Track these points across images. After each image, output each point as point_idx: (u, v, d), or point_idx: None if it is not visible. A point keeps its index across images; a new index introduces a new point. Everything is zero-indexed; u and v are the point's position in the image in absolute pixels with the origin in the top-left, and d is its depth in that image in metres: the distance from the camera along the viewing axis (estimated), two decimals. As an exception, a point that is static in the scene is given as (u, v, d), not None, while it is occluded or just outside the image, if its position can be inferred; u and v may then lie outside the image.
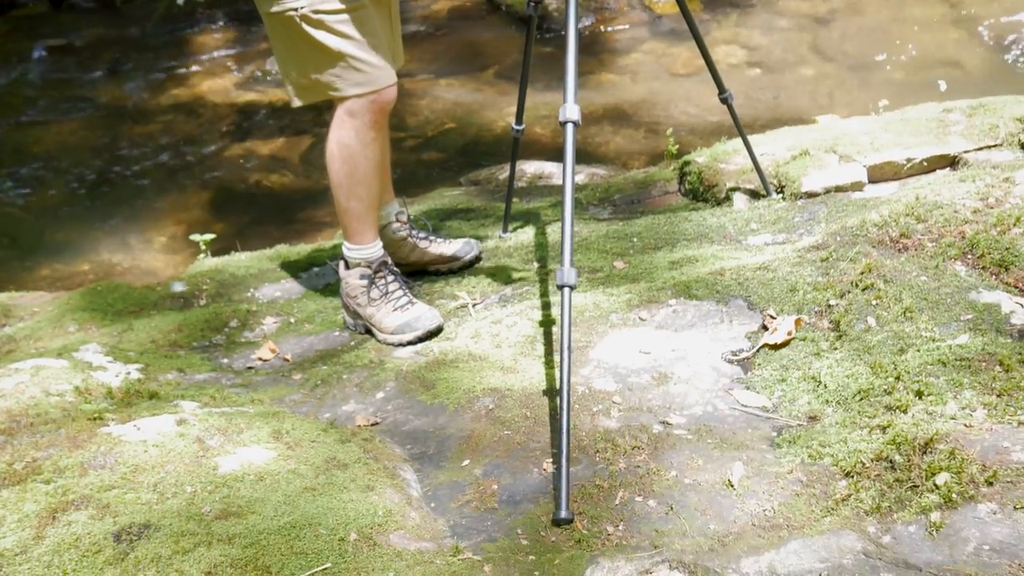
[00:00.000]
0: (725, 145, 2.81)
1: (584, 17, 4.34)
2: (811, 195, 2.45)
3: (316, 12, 1.89)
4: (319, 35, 1.91)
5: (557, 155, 3.29)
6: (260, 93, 4.56)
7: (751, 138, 2.56)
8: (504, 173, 3.35)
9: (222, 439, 1.56)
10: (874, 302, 1.78)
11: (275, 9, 1.92)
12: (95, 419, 1.64)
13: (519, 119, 2.40)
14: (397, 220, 2.30)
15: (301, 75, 1.98)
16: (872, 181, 2.52)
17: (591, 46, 4.41)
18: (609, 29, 4.80)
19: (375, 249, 2.10)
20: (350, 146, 2.00)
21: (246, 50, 5.18)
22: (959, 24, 4.54)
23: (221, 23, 5.63)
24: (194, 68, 5.05)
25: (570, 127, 1.68)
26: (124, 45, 5.59)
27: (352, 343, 2.11)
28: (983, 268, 1.85)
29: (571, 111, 1.68)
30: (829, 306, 1.82)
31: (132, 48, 5.52)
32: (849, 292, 1.83)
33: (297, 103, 2.04)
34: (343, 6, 1.91)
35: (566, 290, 1.56)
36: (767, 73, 4.12)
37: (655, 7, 4.91)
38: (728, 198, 2.58)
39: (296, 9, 1.89)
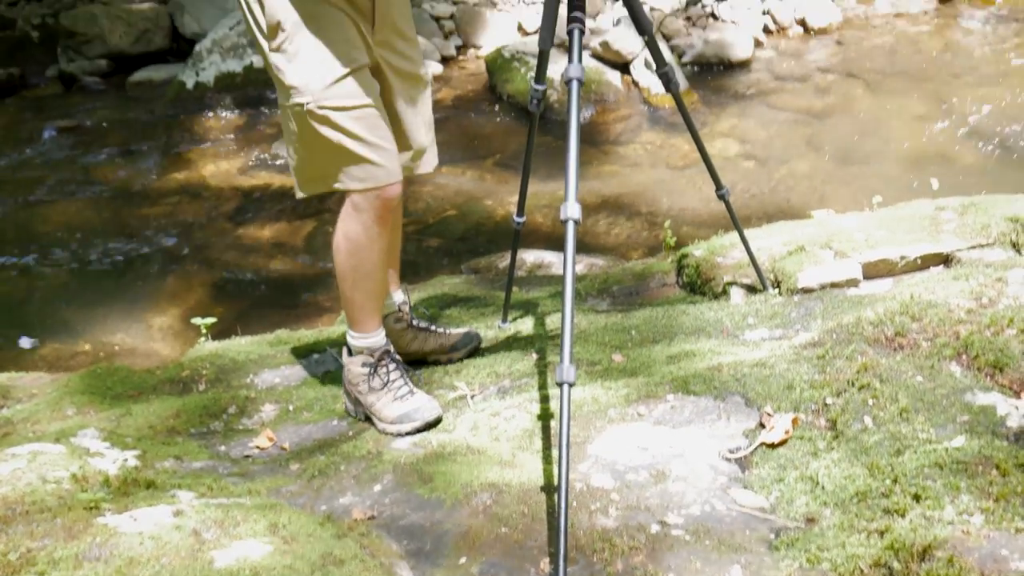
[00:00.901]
0: (722, 239, 2.85)
1: (584, 108, 4.44)
2: (807, 291, 2.48)
3: (321, 108, 1.94)
4: (324, 130, 1.96)
5: (557, 244, 3.34)
6: (264, 177, 4.64)
7: (748, 231, 2.60)
8: (503, 261, 3.39)
9: (218, 532, 1.55)
10: (870, 401, 1.79)
11: (284, 102, 1.98)
12: (91, 508, 1.64)
13: (520, 211, 2.44)
14: (400, 309, 2.33)
15: (306, 167, 2.03)
16: (867, 277, 2.55)
17: (591, 136, 4.50)
18: (608, 120, 4.91)
19: (378, 338, 2.12)
20: (356, 239, 2.03)
21: (252, 134, 5.29)
22: (949, 120, 4.65)
23: (229, 107, 5.75)
24: (200, 151, 5.14)
25: (571, 225, 1.71)
26: (133, 127, 5.70)
27: (350, 432, 2.11)
28: (978, 369, 1.87)
29: (572, 209, 1.72)
30: (826, 405, 1.83)
31: (141, 130, 5.63)
32: (846, 391, 1.84)
33: (300, 194, 2.09)
34: (351, 103, 1.96)
35: (565, 387, 1.57)
36: (763, 166, 4.20)
37: (653, 100, 5.03)
38: (725, 292, 2.61)
39: (303, 104, 1.95)
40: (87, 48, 6.95)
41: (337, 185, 2.01)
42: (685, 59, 5.71)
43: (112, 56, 6.93)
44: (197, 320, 2.91)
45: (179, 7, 7.13)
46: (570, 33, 1.94)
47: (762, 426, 1.83)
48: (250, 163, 4.86)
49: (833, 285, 2.49)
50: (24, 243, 4.21)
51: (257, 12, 1.96)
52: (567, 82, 1.89)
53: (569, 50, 1.93)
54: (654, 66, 2.30)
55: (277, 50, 1.96)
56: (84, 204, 4.64)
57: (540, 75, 2.25)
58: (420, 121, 2.22)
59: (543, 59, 2.24)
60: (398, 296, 2.33)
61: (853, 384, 1.85)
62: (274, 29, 1.95)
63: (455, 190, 4.17)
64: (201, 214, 4.33)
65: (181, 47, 7.06)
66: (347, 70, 1.96)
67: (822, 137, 4.51)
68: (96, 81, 6.77)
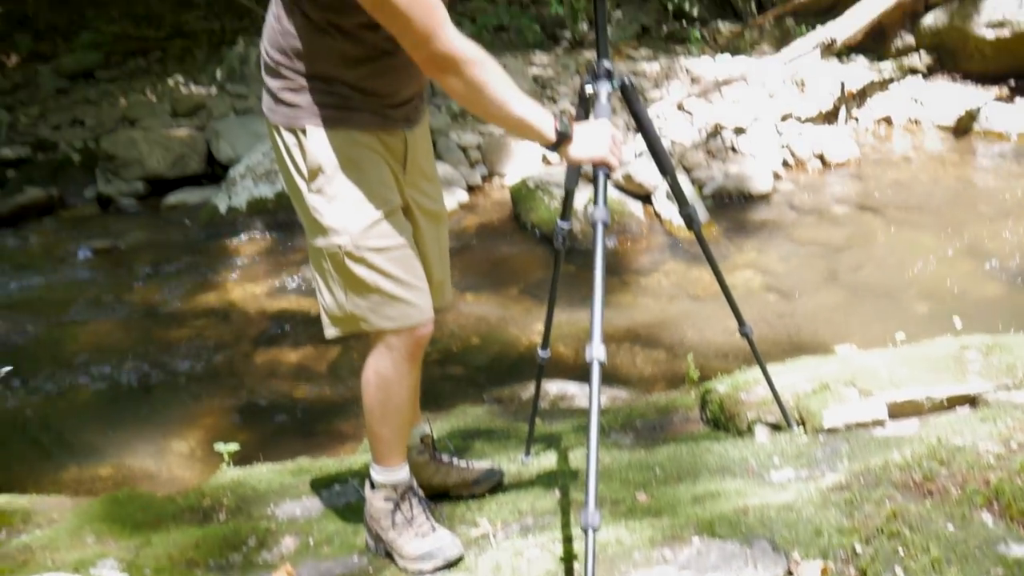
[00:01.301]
0: (746, 374, 2.85)
1: (607, 239, 4.50)
2: (833, 431, 2.47)
3: (359, 248, 2.00)
4: (360, 270, 2.01)
5: (580, 375, 3.35)
6: (292, 301, 4.71)
7: (771, 366, 2.61)
8: (526, 392, 3.40)
9: (236, 676, 1.52)
10: (901, 551, 1.76)
11: (319, 243, 2.03)
12: (110, 646, 1.62)
13: (545, 344, 2.47)
14: (422, 443, 2.33)
15: (336, 307, 2.07)
16: (893, 417, 2.54)
17: (613, 266, 4.56)
18: (631, 251, 4.99)
19: (402, 473, 2.13)
20: (386, 376, 2.06)
21: (281, 259, 5.40)
22: (969, 255, 4.69)
23: (259, 231, 5.89)
24: (230, 274, 5.24)
25: (596, 366, 1.73)
26: (165, 249, 5.84)
27: (371, 569, 2.09)
28: (1010, 519, 1.84)
29: (598, 350, 1.75)
30: (855, 553, 1.80)
31: (172, 252, 5.76)
32: (875, 538, 1.82)
33: (330, 333, 2.12)
34: (387, 244, 2.01)
35: (590, 532, 1.56)
36: (785, 299, 4.23)
37: (675, 231, 5.11)
38: (750, 429, 2.60)
39: (340, 245, 2.00)
40: (125, 171, 7.18)
41: (371, 325, 2.04)
42: (706, 191, 5.83)
43: (149, 179, 7.15)
44: (220, 446, 2.92)
45: (215, 133, 7.39)
46: (595, 176, 2.01)
47: (790, 574, 1.80)
48: (278, 287, 4.95)
49: (859, 425, 2.49)
50: (53, 364, 4.26)
51: (297, 156, 2.04)
52: (592, 224, 1.95)
53: (595, 193, 1.99)
54: (677, 213, 2.36)
55: (317, 192, 2.03)
56: (114, 325, 4.71)
57: (565, 213, 2.32)
58: (441, 257, 2.28)
59: (568, 198, 2.31)
60: (421, 428, 2.34)
61: (882, 531, 1.82)
62: (315, 172, 2.02)
63: (479, 318, 4.21)
64: (228, 337, 4.39)
65: (216, 171, 7.29)
66: (384, 212, 2.03)
67: (843, 270, 4.55)
68: (132, 203, 6.97)
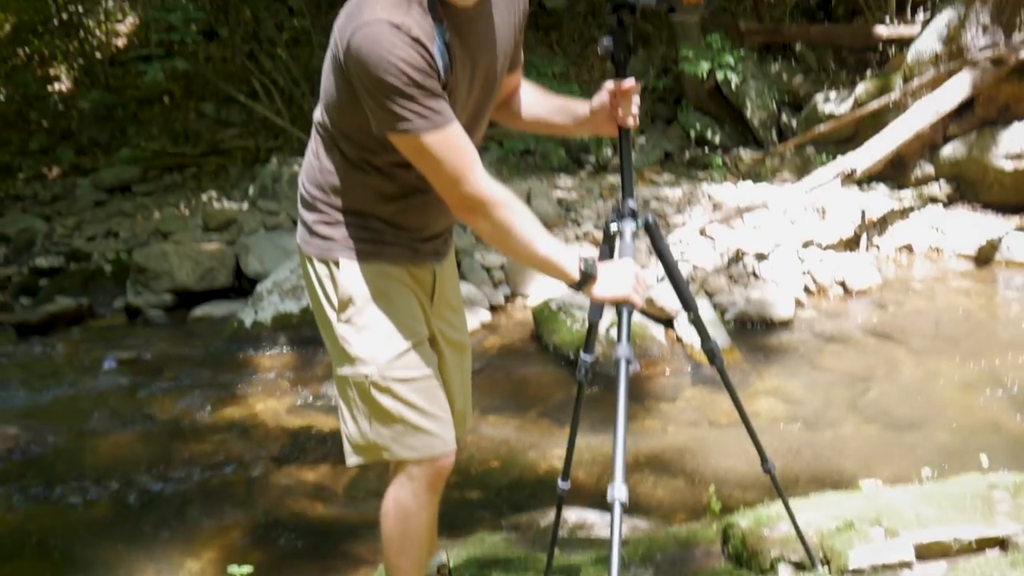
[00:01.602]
0: (769, 509, 2.81)
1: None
2: (858, 572, 2.42)
3: (385, 379, 2.03)
4: (384, 400, 2.03)
5: (600, 502, 3.30)
6: (312, 418, 4.72)
7: (795, 501, 2.58)
8: (545, 519, 3.36)
9: None
10: None
11: (346, 372, 2.07)
12: None
13: (565, 475, 2.45)
14: (439, 573, 2.31)
15: (360, 436, 2.09)
16: (920, 558, 2.48)
17: (634, 391, 4.54)
18: (652, 375, 4.98)
19: (419, 604, 2.10)
20: (406, 507, 2.06)
21: (303, 375, 5.44)
22: (994, 387, 4.64)
23: (283, 347, 5.95)
24: (252, 389, 5.27)
25: (618, 507, 1.72)
26: (189, 362, 5.89)
27: None
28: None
29: (619, 491, 1.74)
30: None
31: (196, 365, 5.81)
32: None
33: (352, 461, 2.13)
34: (413, 375, 2.04)
35: None
36: (807, 429, 4.19)
37: (697, 356, 5.11)
38: (773, 568, 2.55)
39: (367, 375, 2.03)
40: (155, 283, 7.32)
41: (393, 455, 2.06)
42: (728, 316, 5.85)
43: (177, 291, 7.28)
44: (233, 569, 2.89)
45: (245, 248, 7.55)
46: (619, 313, 2.05)
47: None
48: (299, 403, 4.97)
49: (885, 567, 2.43)
50: (70, 475, 4.26)
51: (329, 287, 2.10)
52: (615, 361, 1.97)
53: (618, 330, 2.02)
54: (699, 341, 2.38)
55: (346, 322, 2.07)
56: (134, 437, 4.73)
57: (589, 345, 2.34)
58: (464, 387, 2.31)
59: (592, 331, 2.34)
60: (438, 557, 2.32)
61: None
62: (345, 303, 2.07)
63: (499, 441, 4.19)
64: (247, 453, 4.38)
65: (243, 285, 7.41)
66: (411, 343, 2.07)
67: (866, 401, 4.52)
68: (159, 314, 7.08)
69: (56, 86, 15.80)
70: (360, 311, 2.07)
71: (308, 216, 2.16)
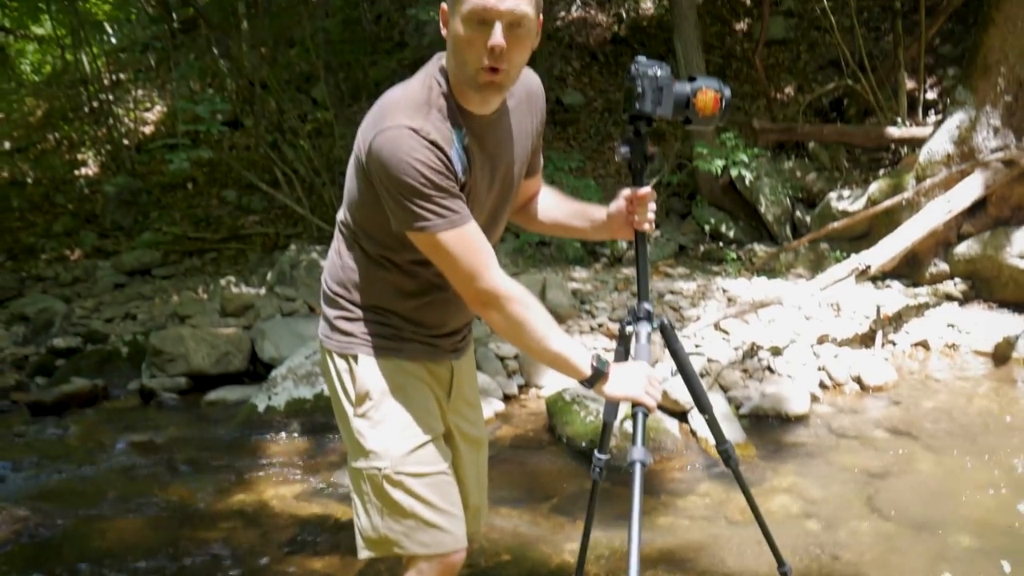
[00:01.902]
0: (785, 612, 2.76)
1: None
2: None
3: (399, 473, 2.05)
4: (398, 495, 2.05)
5: (611, 600, 3.25)
6: (322, 505, 4.68)
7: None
8: (556, 615, 3.30)
9: None
10: None
11: (360, 465, 2.08)
12: None
13: (579, 571, 2.43)
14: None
15: (372, 529, 2.09)
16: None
17: (648, 485, 4.47)
18: (666, 469, 4.93)
19: None
20: None
21: (315, 461, 5.41)
22: (1015, 488, 4.57)
23: (295, 432, 5.94)
24: (263, 474, 5.24)
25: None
26: (201, 445, 5.88)
27: None
28: None
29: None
30: None
31: (208, 449, 5.80)
32: None
33: (364, 555, 2.13)
34: (426, 470, 2.06)
35: None
36: (825, 528, 4.12)
37: (711, 450, 5.07)
38: (790, 672, 2.48)
39: (380, 468, 2.05)
40: (170, 366, 7.36)
41: (404, 549, 2.06)
42: (742, 411, 5.82)
43: (192, 375, 7.32)
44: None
45: (261, 333, 7.60)
46: (634, 415, 2.06)
47: None
48: (309, 491, 4.93)
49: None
50: (77, 560, 4.22)
51: (348, 381, 2.14)
52: (630, 464, 1.98)
53: (633, 432, 2.04)
54: (714, 441, 2.38)
55: (362, 416, 2.10)
56: (143, 522, 4.69)
57: (603, 445, 2.35)
58: (479, 482, 2.32)
59: (606, 431, 2.36)
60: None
61: None
62: (362, 397, 2.11)
63: (510, 533, 4.14)
64: (256, 540, 4.34)
65: (257, 370, 7.44)
66: (426, 438, 2.09)
67: (883, 499, 4.45)
68: (173, 397, 7.10)
69: (83, 171, 16.19)
70: (376, 406, 2.10)
71: (330, 312, 2.21)
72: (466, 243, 1.96)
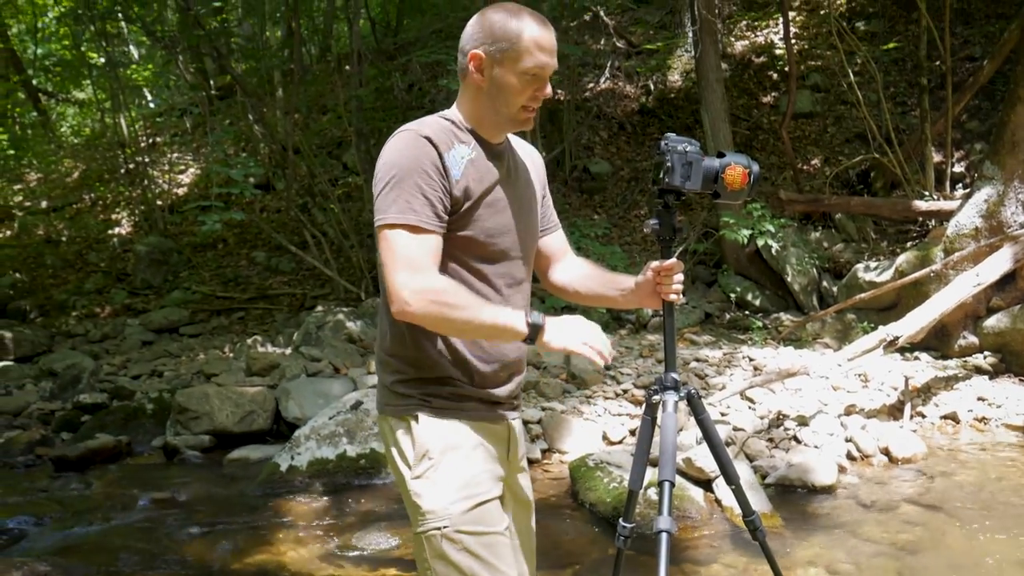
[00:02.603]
0: None
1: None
2: None
3: (458, 532, 2.04)
4: (456, 555, 2.05)
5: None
6: (342, 568, 4.64)
7: None
8: None
9: None
10: None
11: (419, 528, 2.09)
12: None
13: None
14: None
15: None
16: None
17: (672, 554, 4.42)
18: (690, 537, 4.86)
19: None
20: None
21: (336, 523, 5.38)
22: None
23: (317, 493, 5.92)
24: (284, 534, 5.22)
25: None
26: (222, 504, 5.87)
27: None
28: None
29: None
30: None
31: (229, 507, 5.79)
32: None
33: None
34: (484, 530, 2.05)
35: None
36: (852, 602, 4.03)
37: (736, 519, 5.00)
38: None
39: (440, 528, 2.05)
40: (194, 423, 7.39)
41: None
42: (768, 480, 5.74)
43: (215, 433, 7.34)
44: None
45: (285, 392, 7.63)
46: (660, 485, 2.07)
47: None
48: (329, 551, 4.90)
49: None
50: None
51: (406, 444, 2.15)
52: (657, 533, 1.97)
53: (659, 501, 2.04)
54: (740, 511, 2.36)
55: (419, 477, 2.11)
56: (162, 579, 4.67)
57: (628, 514, 2.34)
58: (529, 548, 2.31)
59: (632, 499, 2.35)
60: None
61: None
62: (420, 457, 2.12)
63: (532, 599, 4.08)
64: (274, 601, 4.30)
65: (281, 429, 7.46)
66: (486, 498, 2.09)
67: (912, 574, 4.35)
68: (196, 455, 7.11)
69: (116, 230, 16.48)
70: (435, 465, 2.11)
71: (385, 378, 2.25)
72: (405, 244, 2.01)
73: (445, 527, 2.02)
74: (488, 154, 2.23)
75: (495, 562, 2.02)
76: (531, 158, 2.46)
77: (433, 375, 2.14)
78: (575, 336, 2.10)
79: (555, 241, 2.52)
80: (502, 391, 2.21)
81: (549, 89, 2.18)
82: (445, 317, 2.03)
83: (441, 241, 2.08)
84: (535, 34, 2.13)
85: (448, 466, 2.07)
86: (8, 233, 17.05)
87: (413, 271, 2.00)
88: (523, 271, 2.28)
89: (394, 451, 2.15)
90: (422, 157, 2.05)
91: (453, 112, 2.27)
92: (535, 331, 2.08)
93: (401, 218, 2.01)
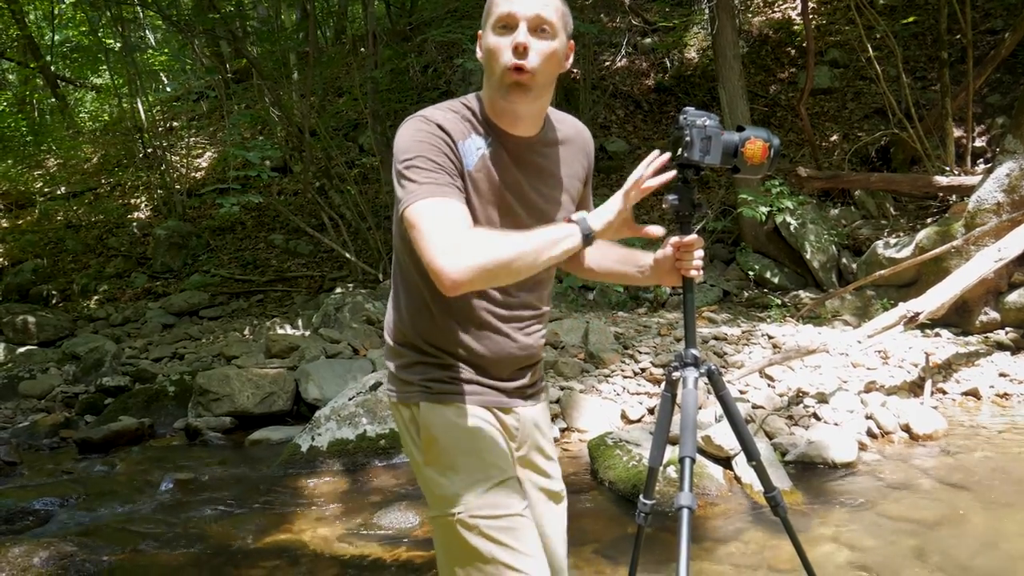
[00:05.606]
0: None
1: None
2: None
3: (473, 517, 2.03)
4: (474, 540, 2.03)
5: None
6: (363, 547, 4.67)
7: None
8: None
9: None
10: None
11: (434, 513, 2.08)
12: None
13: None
14: None
15: None
16: None
17: (692, 531, 4.42)
18: (710, 515, 4.86)
19: None
20: None
21: (356, 502, 5.42)
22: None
23: (337, 473, 5.96)
24: (304, 514, 5.26)
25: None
26: (244, 484, 5.92)
27: None
28: None
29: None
30: None
31: (250, 488, 5.84)
32: None
33: None
34: (500, 512, 2.04)
35: None
36: (873, 578, 4.02)
37: (756, 496, 4.99)
38: None
39: (454, 514, 2.04)
40: (215, 405, 7.45)
41: None
42: (788, 457, 5.73)
43: (236, 414, 7.40)
44: None
45: (305, 374, 7.67)
46: (681, 461, 2.06)
47: None
48: (351, 531, 4.93)
49: None
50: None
51: (413, 431, 2.15)
52: (678, 509, 1.96)
53: (680, 478, 2.02)
54: (761, 488, 2.35)
55: (431, 464, 2.10)
56: (184, 559, 4.72)
57: (648, 491, 2.34)
58: (559, 539, 2.29)
59: (652, 476, 2.34)
60: None
61: None
62: (429, 444, 2.11)
63: (551, 577, 4.09)
64: (296, 579, 4.34)
65: (301, 410, 7.51)
66: (497, 480, 2.07)
67: (934, 550, 4.34)
68: (218, 436, 7.17)
69: (135, 215, 16.57)
70: (444, 451, 2.10)
71: (391, 364, 2.24)
72: (433, 220, 1.90)
73: (460, 513, 2.01)
74: (508, 150, 2.13)
75: (514, 544, 2.01)
76: (577, 143, 2.35)
77: (436, 362, 2.12)
78: (614, 205, 2.11)
79: None
80: (509, 386, 2.19)
81: (521, 35, 2.01)
82: (499, 267, 1.91)
83: (466, 207, 2.01)
84: None
85: (457, 452, 2.05)
86: (29, 219, 17.19)
87: (447, 247, 1.89)
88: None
89: (406, 437, 2.15)
90: (435, 139, 2.01)
91: (474, 100, 2.18)
92: (587, 231, 2.04)
93: (425, 193, 1.94)
